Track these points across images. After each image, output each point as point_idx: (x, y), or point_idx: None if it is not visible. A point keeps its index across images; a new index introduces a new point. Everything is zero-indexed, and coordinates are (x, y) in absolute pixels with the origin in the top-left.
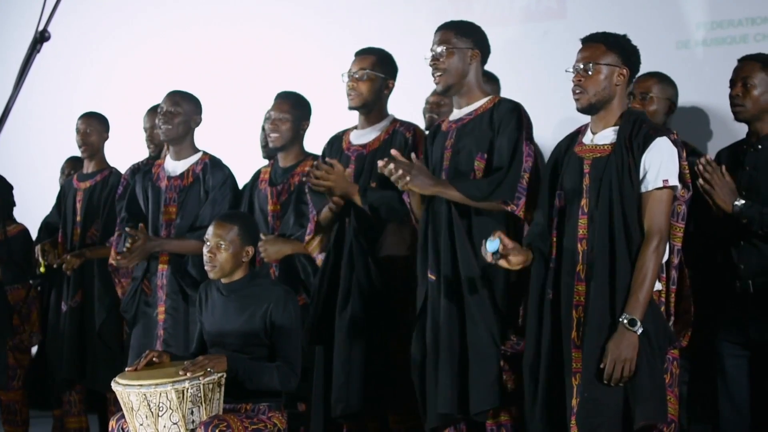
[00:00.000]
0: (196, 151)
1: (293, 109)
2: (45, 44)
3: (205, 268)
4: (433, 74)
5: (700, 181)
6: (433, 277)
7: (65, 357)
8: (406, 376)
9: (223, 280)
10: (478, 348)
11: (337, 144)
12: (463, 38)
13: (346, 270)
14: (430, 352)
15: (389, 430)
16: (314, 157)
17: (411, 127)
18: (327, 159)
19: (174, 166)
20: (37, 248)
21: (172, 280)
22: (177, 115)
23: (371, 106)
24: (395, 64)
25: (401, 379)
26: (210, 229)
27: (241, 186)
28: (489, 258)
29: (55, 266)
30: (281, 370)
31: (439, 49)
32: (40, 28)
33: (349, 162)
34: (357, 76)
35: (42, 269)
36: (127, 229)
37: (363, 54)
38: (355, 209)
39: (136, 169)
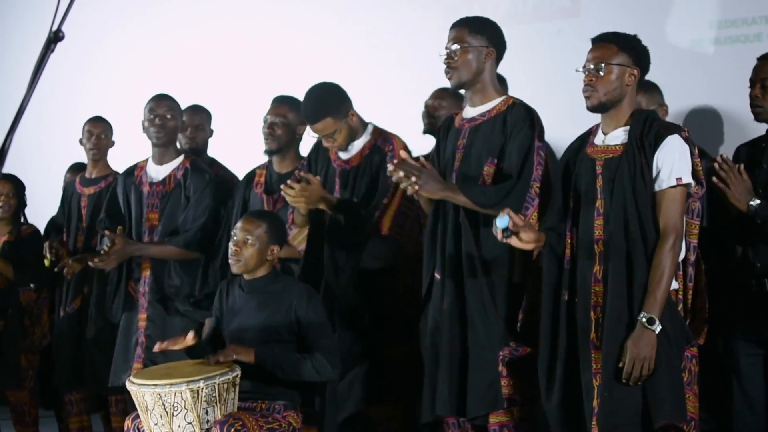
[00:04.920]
0: (179, 154)
1: (290, 113)
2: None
3: (230, 261)
4: (445, 71)
5: (715, 179)
6: (439, 276)
7: (63, 362)
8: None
9: (246, 277)
10: (477, 352)
11: (323, 153)
12: (478, 36)
13: (324, 284)
14: (430, 352)
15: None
16: (301, 163)
17: (391, 141)
18: (302, 174)
19: (156, 170)
20: (46, 244)
21: (154, 287)
22: (171, 120)
23: (352, 140)
24: (344, 97)
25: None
26: (238, 224)
27: None
28: (499, 235)
29: (56, 269)
30: (316, 359)
31: (453, 47)
32: (54, 28)
33: (335, 175)
34: (327, 138)
35: (47, 261)
36: (106, 232)
37: (316, 121)
38: (333, 221)
39: None
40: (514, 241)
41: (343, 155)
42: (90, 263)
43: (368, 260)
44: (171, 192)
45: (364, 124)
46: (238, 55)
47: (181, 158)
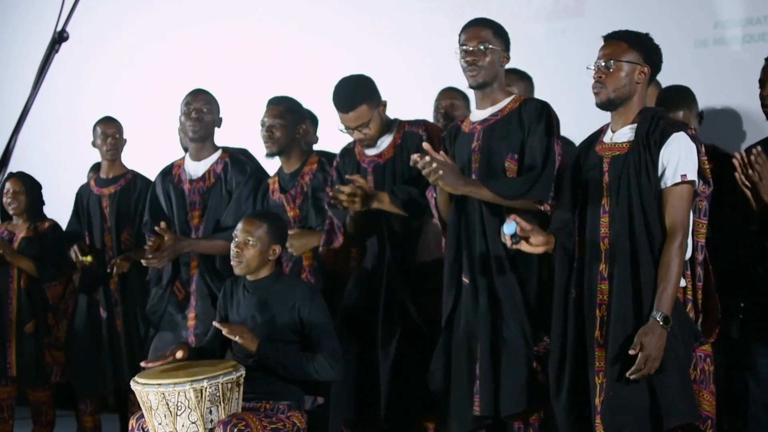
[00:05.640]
0: (216, 149)
1: (286, 113)
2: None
3: (232, 263)
4: (468, 69)
5: (750, 171)
6: (467, 281)
7: (111, 365)
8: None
9: (249, 278)
10: (511, 350)
11: (349, 157)
12: (500, 39)
13: (386, 283)
14: (463, 357)
15: None
16: (318, 153)
17: (421, 123)
18: (348, 176)
19: (195, 167)
20: (72, 250)
21: (202, 285)
22: (208, 115)
23: (381, 134)
24: (374, 86)
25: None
26: (239, 225)
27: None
28: (508, 242)
29: (108, 270)
30: (317, 360)
31: (477, 47)
32: (59, 28)
33: (366, 174)
34: (360, 129)
35: (89, 258)
36: (157, 228)
37: (351, 109)
38: (386, 219)
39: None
40: (524, 247)
41: (371, 152)
42: (143, 262)
43: (425, 254)
44: (212, 187)
45: (390, 120)
46: (243, 56)
47: (219, 153)
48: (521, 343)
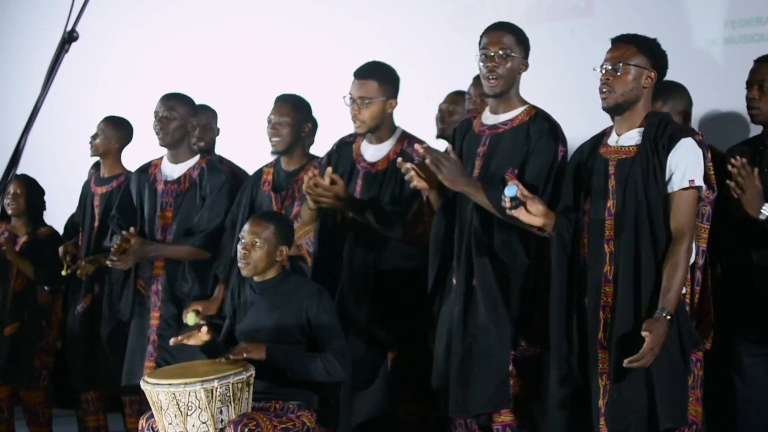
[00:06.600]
0: (194, 154)
1: (293, 112)
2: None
3: (239, 264)
4: (487, 75)
5: (732, 183)
6: (456, 281)
7: (77, 362)
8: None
9: (255, 279)
10: (487, 352)
11: (346, 151)
12: (521, 46)
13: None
14: (442, 353)
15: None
16: (318, 160)
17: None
18: (332, 175)
19: (171, 169)
20: (61, 249)
21: (167, 287)
22: (173, 121)
23: (375, 129)
24: (397, 79)
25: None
26: (246, 227)
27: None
28: (508, 204)
29: (69, 271)
30: (327, 358)
31: (497, 52)
32: (68, 28)
33: (358, 176)
34: (358, 103)
35: (64, 272)
36: (123, 232)
37: (363, 78)
38: (355, 225)
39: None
40: (522, 214)
41: (369, 157)
42: (107, 263)
43: (398, 260)
44: (186, 191)
45: (394, 127)
46: (249, 55)
47: (196, 158)
48: (498, 347)
